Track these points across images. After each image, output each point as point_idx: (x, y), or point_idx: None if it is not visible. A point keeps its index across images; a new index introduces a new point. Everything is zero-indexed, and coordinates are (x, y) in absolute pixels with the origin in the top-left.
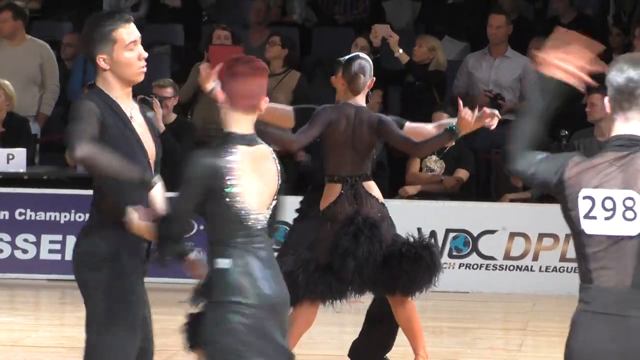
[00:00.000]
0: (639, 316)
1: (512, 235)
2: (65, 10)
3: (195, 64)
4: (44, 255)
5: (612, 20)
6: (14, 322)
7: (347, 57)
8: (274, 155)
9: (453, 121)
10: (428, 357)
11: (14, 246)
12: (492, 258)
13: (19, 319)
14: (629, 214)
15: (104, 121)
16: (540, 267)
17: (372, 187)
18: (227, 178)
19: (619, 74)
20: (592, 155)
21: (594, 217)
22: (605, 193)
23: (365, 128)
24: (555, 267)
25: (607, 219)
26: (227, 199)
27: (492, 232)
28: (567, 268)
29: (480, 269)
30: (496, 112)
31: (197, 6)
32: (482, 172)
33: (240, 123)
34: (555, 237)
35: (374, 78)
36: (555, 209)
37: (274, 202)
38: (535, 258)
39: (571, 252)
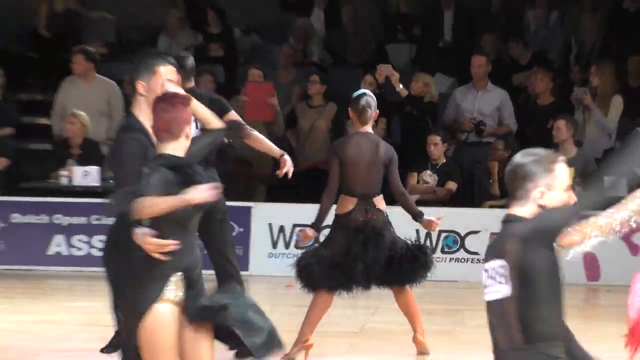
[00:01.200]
0: None
1: (492, 234)
2: (128, 54)
3: (234, 96)
4: None
5: (573, 59)
6: (91, 307)
7: (355, 94)
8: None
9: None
10: (424, 333)
11: (90, 245)
12: (476, 253)
13: (96, 304)
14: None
15: (146, 154)
16: None
17: (380, 201)
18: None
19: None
20: None
21: None
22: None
23: (380, 157)
24: None
25: None
26: None
27: (476, 232)
28: None
29: (466, 262)
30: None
31: (235, 51)
32: (467, 184)
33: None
34: None
35: (378, 111)
36: None
37: None
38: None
39: None
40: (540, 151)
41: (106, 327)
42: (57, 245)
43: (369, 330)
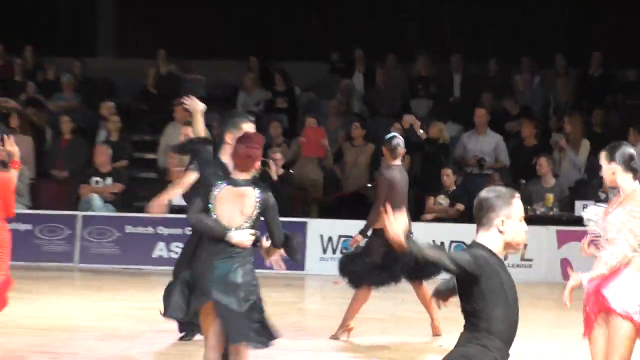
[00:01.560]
0: None
1: None
2: (214, 106)
3: (295, 138)
4: None
5: (551, 112)
6: None
7: (387, 136)
8: (255, 194)
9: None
10: (439, 319)
11: None
12: None
13: None
14: None
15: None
16: (507, 263)
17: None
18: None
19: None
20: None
21: None
22: None
23: (406, 182)
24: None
25: None
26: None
27: None
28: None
29: None
30: None
31: (295, 104)
32: (472, 205)
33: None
34: None
35: (405, 149)
36: None
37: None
38: (505, 258)
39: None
40: (501, 188)
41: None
42: (160, 250)
43: (397, 317)
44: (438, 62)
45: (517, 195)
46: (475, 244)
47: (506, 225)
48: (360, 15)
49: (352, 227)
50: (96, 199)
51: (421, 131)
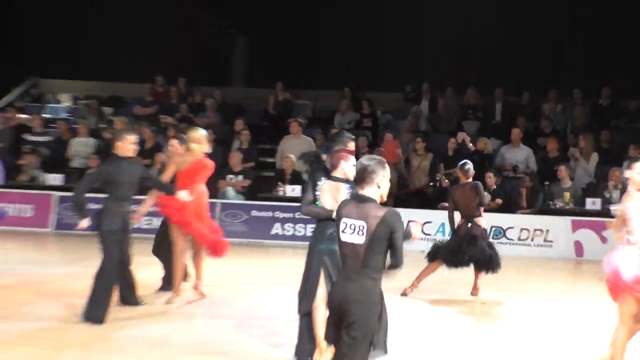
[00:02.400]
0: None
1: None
2: (319, 124)
3: (376, 149)
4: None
5: (569, 130)
6: (292, 263)
7: (462, 162)
8: (346, 187)
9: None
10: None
11: (294, 230)
12: (512, 239)
13: (295, 261)
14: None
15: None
16: (533, 244)
17: (480, 220)
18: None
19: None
20: None
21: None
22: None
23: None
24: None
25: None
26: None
27: (512, 227)
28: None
29: (507, 245)
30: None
31: (377, 124)
32: (508, 200)
33: (337, 172)
34: (540, 230)
35: (474, 171)
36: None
37: None
38: (530, 238)
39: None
40: (378, 157)
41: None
42: (276, 229)
43: (450, 280)
44: (485, 94)
45: (386, 162)
46: (367, 197)
47: (382, 183)
48: (427, 57)
49: (416, 216)
50: (230, 191)
51: (471, 144)
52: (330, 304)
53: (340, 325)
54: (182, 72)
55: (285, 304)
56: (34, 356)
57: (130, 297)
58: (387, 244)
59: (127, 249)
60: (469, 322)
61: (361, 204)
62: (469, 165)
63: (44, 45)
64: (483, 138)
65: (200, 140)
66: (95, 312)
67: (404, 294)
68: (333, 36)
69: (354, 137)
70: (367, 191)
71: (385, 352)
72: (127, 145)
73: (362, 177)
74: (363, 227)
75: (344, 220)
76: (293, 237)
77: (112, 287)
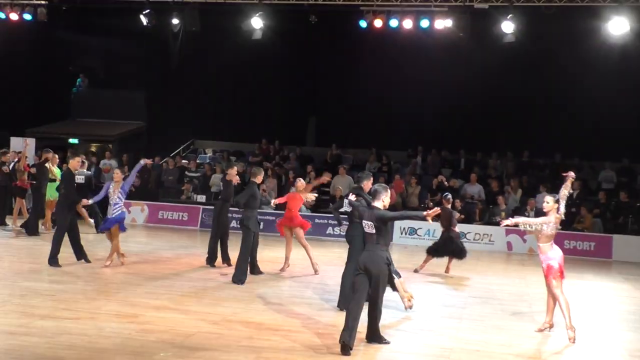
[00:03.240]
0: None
1: (476, 233)
2: (355, 170)
3: (390, 184)
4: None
5: (504, 176)
6: (338, 252)
7: (445, 194)
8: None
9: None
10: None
11: (341, 231)
12: (469, 239)
13: (339, 250)
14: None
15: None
16: (481, 242)
17: (454, 229)
18: None
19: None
20: None
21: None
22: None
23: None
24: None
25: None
26: None
27: (470, 232)
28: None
29: (468, 243)
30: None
31: (391, 169)
32: (468, 216)
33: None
34: (487, 234)
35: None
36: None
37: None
38: (480, 239)
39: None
40: (383, 184)
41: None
42: (329, 230)
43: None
44: (454, 152)
45: (388, 187)
46: (374, 207)
47: (385, 200)
48: (421, 128)
49: (412, 224)
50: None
51: (446, 182)
52: (359, 264)
53: (369, 278)
54: (276, 135)
55: (333, 276)
56: (197, 302)
57: (253, 269)
58: (384, 228)
59: (256, 241)
60: (445, 289)
61: (371, 211)
62: (449, 196)
63: (200, 117)
64: (454, 179)
65: (297, 186)
66: (238, 277)
67: (415, 271)
68: (366, 113)
69: (371, 175)
70: (376, 203)
71: (399, 276)
72: (258, 176)
73: (374, 195)
74: (372, 224)
75: (364, 221)
76: (338, 235)
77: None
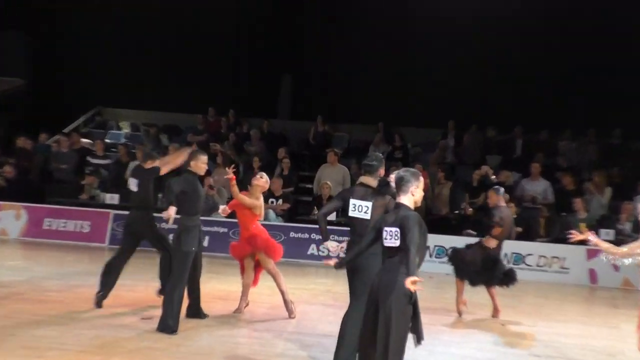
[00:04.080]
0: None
1: (540, 256)
2: (356, 156)
3: None
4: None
5: (585, 168)
6: (327, 282)
7: (496, 187)
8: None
9: None
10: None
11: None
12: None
13: (329, 281)
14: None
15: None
16: (550, 269)
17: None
18: None
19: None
20: None
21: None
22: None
23: None
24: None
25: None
26: None
27: (530, 254)
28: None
29: (531, 271)
30: None
31: (408, 154)
32: (526, 229)
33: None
34: (557, 258)
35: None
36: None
37: None
38: (547, 264)
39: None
40: (412, 169)
41: (337, 293)
42: (312, 249)
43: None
44: (506, 131)
45: (420, 174)
46: (401, 205)
47: (416, 192)
48: (454, 96)
49: (440, 240)
50: (271, 213)
51: (493, 177)
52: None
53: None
54: (231, 104)
55: (318, 322)
56: None
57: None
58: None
59: (199, 264)
60: (489, 341)
61: (397, 212)
62: (503, 190)
63: (108, 76)
64: (504, 171)
65: (254, 184)
66: (167, 323)
67: (460, 313)
68: (369, 73)
69: (384, 159)
70: (403, 198)
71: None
72: (200, 164)
73: (399, 185)
74: (396, 233)
75: (385, 229)
76: (327, 258)
77: (182, 300)
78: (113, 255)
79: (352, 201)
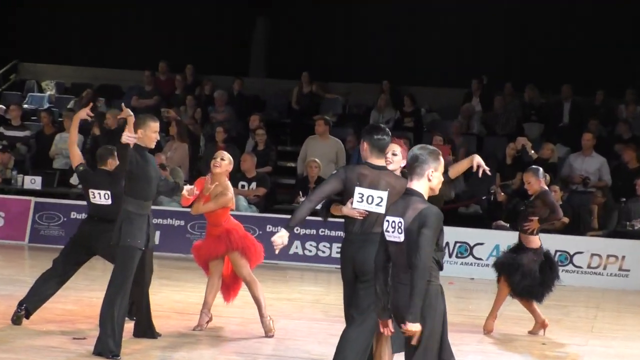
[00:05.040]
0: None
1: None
2: (351, 122)
3: None
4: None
5: None
6: (317, 290)
7: (534, 167)
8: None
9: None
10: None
11: (317, 249)
12: (580, 267)
13: (319, 289)
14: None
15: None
16: (605, 273)
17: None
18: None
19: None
20: None
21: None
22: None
23: None
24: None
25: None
26: None
27: (580, 252)
28: None
29: (574, 273)
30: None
31: (421, 123)
32: (575, 219)
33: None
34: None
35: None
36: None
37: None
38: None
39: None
40: (430, 147)
41: (328, 305)
42: (295, 247)
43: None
44: (550, 92)
45: (440, 153)
46: (413, 191)
47: (433, 176)
48: (482, 47)
49: (464, 234)
50: (241, 200)
51: (532, 151)
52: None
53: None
54: (189, 57)
55: (304, 342)
56: None
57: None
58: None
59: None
60: None
61: (406, 200)
62: (542, 171)
63: (27, 24)
64: (548, 144)
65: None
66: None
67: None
68: (371, 20)
69: (389, 132)
70: (416, 184)
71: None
72: (150, 134)
73: (413, 167)
74: (400, 224)
75: (388, 217)
76: (315, 259)
77: (126, 313)
78: (55, 264)
79: (358, 190)
